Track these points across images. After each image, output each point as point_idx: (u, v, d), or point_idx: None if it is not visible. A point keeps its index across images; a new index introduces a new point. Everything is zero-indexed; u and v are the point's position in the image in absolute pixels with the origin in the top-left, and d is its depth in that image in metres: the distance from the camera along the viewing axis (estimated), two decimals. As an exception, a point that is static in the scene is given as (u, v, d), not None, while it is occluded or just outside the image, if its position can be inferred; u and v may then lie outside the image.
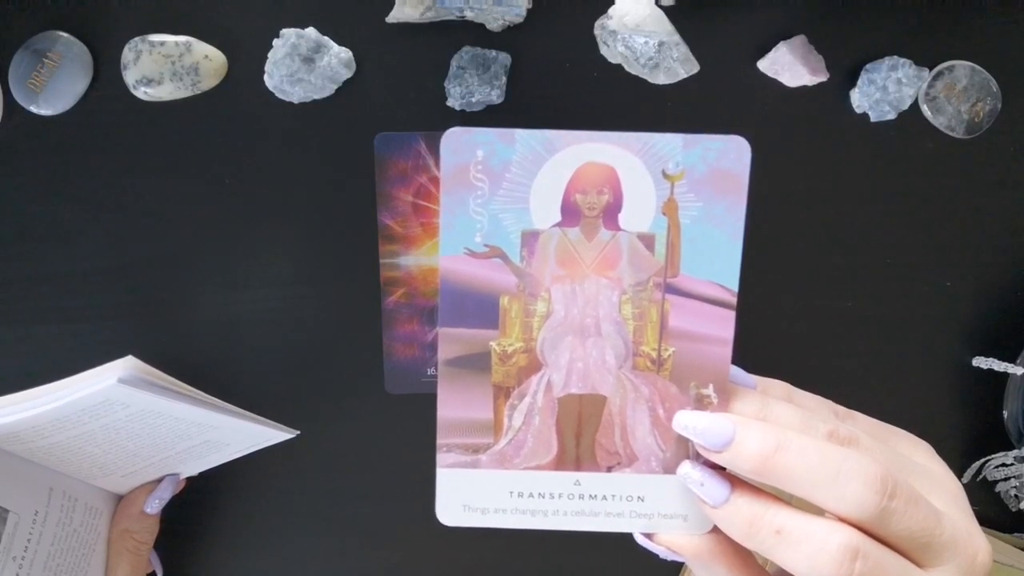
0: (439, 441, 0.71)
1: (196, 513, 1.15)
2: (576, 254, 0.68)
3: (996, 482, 1.16)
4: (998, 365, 1.12)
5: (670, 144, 0.66)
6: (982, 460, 1.15)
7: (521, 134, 0.66)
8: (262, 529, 1.16)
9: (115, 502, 1.07)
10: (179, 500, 1.09)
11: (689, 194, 0.67)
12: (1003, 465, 1.14)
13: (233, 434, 1.00)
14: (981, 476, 1.16)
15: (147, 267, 1.09)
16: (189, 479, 1.10)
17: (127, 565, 1.05)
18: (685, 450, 0.70)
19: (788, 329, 1.14)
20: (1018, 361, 1.12)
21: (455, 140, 0.66)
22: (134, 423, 0.92)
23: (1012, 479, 1.15)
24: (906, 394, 1.16)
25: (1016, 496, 1.16)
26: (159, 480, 1.07)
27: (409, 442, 1.14)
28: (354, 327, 1.12)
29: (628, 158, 0.66)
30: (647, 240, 0.68)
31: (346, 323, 1.12)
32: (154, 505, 1.06)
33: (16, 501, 0.94)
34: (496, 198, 0.66)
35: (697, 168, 0.66)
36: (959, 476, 1.14)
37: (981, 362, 1.13)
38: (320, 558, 1.18)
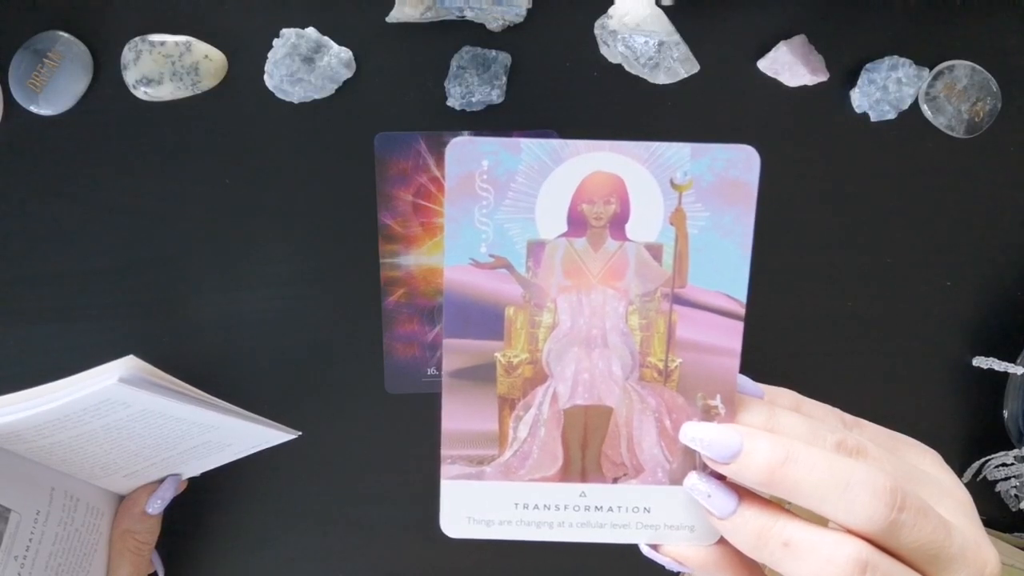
0: (443, 452, 0.70)
1: (197, 514, 1.15)
2: (582, 264, 0.68)
3: (996, 482, 1.16)
4: (998, 365, 1.12)
5: (678, 153, 0.65)
6: (982, 460, 1.15)
7: (527, 143, 0.65)
8: (263, 529, 1.16)
9: (117, 502, 1.07)
10: (180, 500, 1.09)
11: (697, 204, 0.66)
12: (1003, 465, 1.15)
13: (235, 435, 1.00)
14: (981, 476, 1.16)
15: (147, 267, 1.09)
16: (191, 480, 1.09)
17: (129, 565, 1.05)
18: (692, 461, 0.70)
19: (787, 329, 1.14)
20: (1018, 361, 1.12)
21: (460, 149, 0.65)
22: (135, 423, 0.92)
23: (1012, 479, 1.15)
24: (906, 394, 1.16)
25: (1016, 496, 1.16)
26: (161, 480, 1.07)
27: (409, 442, 1.14)
28: (354, 327, 1.12)
29: (635, 167, 0.66)
30: (654, 250, 0.67)
31: (346, 323, 1.12)
32: (156, 505, 1.06)
33: (18, 500, 0.94)
34: (501, 208, 0.66)
35: (705, 177, 0.66)
36: (959, 476, 1.14)
37: (981, 362, 1.13)
38: (320, 558, 1.18)
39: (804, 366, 1.15)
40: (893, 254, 1.13)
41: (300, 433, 1.04)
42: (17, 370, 1.10)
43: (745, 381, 0.71)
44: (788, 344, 1.15)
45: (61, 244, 1.08)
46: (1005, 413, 1.14)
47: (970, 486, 1.12)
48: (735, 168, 0.66)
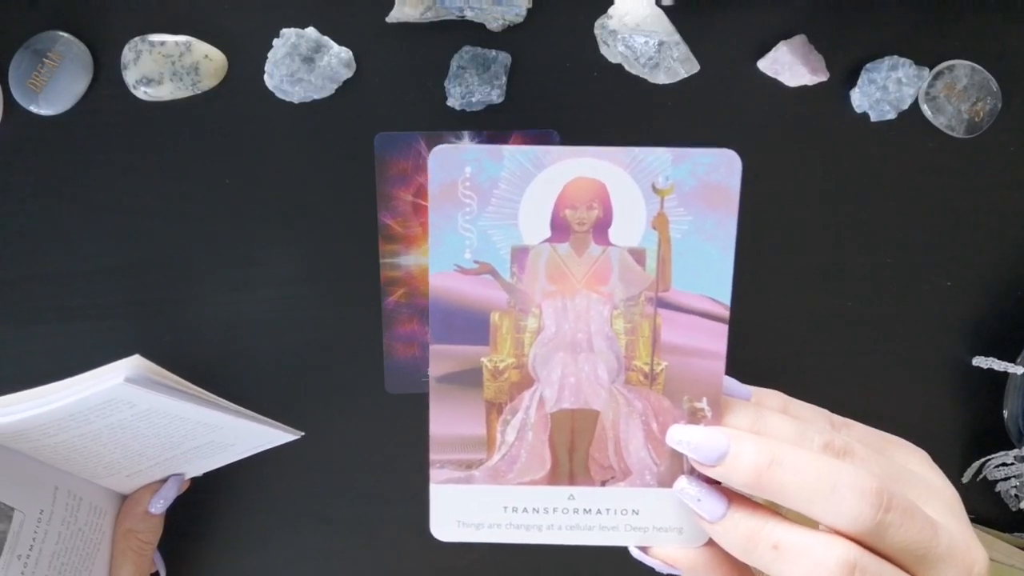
0: (432, 457, 0.71)
1: (199, 513, 1.16)
2: (566, 269, 0.68)
3: (996, 482, 1.16)
4: (998, 365, 1.12)
5: (659, 158, 0.66)
6: (982, 460, 1.15)
7: (509, 150, 0.66)
8: (264, 529, 1.17)
9: (120, 502, 1.08)
10: (183, 500, 1.09)
11: (679, 208, 0.66)
12: (1003, 465, 1.14)
13: (238, 435, 1.00)
14: (981, 476, 1.16)
15: (147, 267, 1.10)
16: (193, 479, 1.10)
17: (131, 565, 1.05)
18: (679, 463, 0.70)
19: (788, 330, 1.14)
20: (1018, 361, 1.12)
21: (442, 157, 0.66)
22: (140, 422, 0.92)
23: (1012, 479, 1.15)
24: (906, 394, 1.16)
25: (1016, 496, 1.16)
26: (164, 480, 1.07)
27: (409, 442, 1.14)
28: (354, 327, 1.12)
29: (617, 173, 0.66)
30: (638, 255, 0.68)
31: (346, 323, 1.12)
32: (158, 505, 1.06)
33: (21, 499, 0.94)
34: (485, 214, 0.66)
35: (687, 182, 0.66)
36: (959, 476, 1.14)
37: (981, 362, 1.13)
38: (320, 558, 1.18)
39: (804, 366, 1.15)
40: (893, 254, 1.13)
41: (302, 434, 1.04)
42: (18, 370, 1.10)
43: (732, 383, 0.71)
44: (788, 344, 1.15)
45: (61, 244, 1.08)
46: (1005, 413, 1.14)
47: (970, 486, 1.12)
48: (716, 172, 0.66)
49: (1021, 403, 1.11)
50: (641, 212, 0.67)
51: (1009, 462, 1.14)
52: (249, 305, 1.11)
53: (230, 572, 1.18)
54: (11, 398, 0.88)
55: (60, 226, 1.08)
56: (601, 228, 0.67)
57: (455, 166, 0.66)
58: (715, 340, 0.69)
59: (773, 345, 1.15)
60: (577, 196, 0.66)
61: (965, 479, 1.15)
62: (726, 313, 0.68)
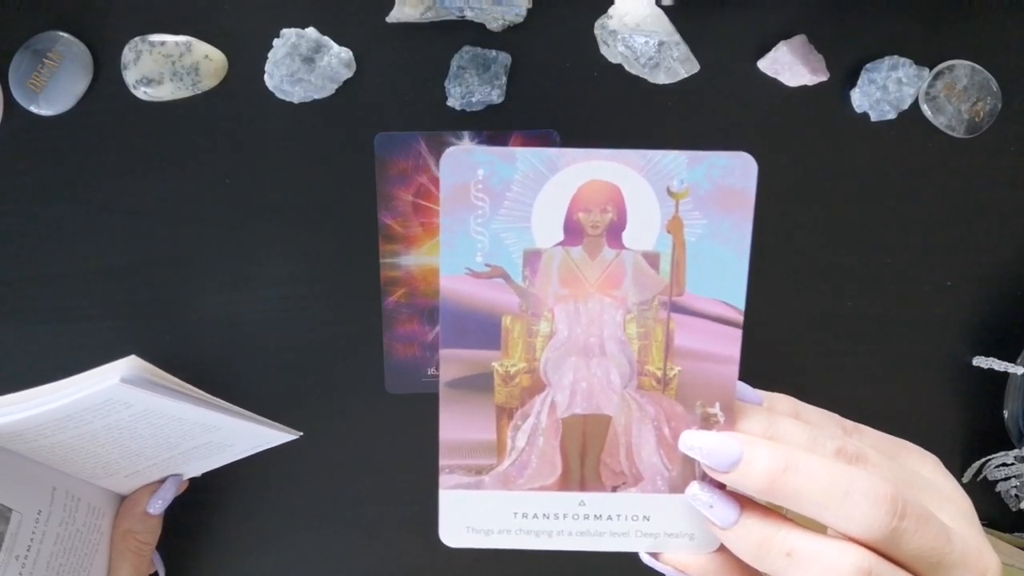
0: (441, 463, 0.70)
1: (198, 514, 1.15)
2: (579, 273, 0.68)
3: (996, 482, 1.16)
4: (998, 365, 1.12)
5: (675, 161, 0.65)
6: (982, 460, 1.15)
7: (522, 153, 0.65)
8: (263, 530, 1.16)
9: (118, 502, 1.07)
10: (181, 501, 1.09)
11: (694, 211, 0.66)
12: (1004, 465, 1.14)
13: (236, 435, 1.00)
14: (981, 476, 1.16)
15: (147, 267, 1.09)
16: (192, 480, 1.10)
17: (129, 565, 1.05)
18: (691, 469, 0.70)
19: (787, 329, 1.14)
20: (1018, 361, 1.12)
21: (455, 159, 0.65)
22: (137, 423, 0.92)
23: (1012, 479, 1.15)
24: (906, 394, 1.16)
25: (1016, 496, 1.16)
26: (162, 481, 1.07)
27: (409, 442, 1.14)
28: (354, 327, 1.12)
29: (631, 176, 0.66)
30: (651, 258, 0.67)
31: (346, 323, 1.12)
32: (157, 505, 1.06)
33: (19, 500, 0.94)
34: (497, 217, 0.66)
35: (702, 185, 0.66)
36: (959, 476, 1.15)
37: (981, 362, 1.13)
38: (320, 558, 1.18)
39: (804, 367, 1.15)
40: (893, 254, 1.13)
41: (301, 434, 1.04)
42: (17, 370, 1.10)
43: (744, 388, 0.70)
44: (788, 344, 1.15)
45: (61, 244, 1.08)
46: (1005, 413, 1.14)
47: (970, 486, 1.12)
48: (732, 175, 0.65)
49: (1021, 403, 1.12)
50: (655, 215, 0.66)
51: (1009, 462, 1.14)
52: (249, 305, 1.11)
53: (229, 572, 1.18)
54: (7, 399, 0.88)
55: (60, 226, 1.08)
56: (615, 231, 0.67)
57: (467, 168, 0.65)
58: (728, 345, 0.68)
59: (771, 345, 1.15)
60: (591, 199, 0.66)
61: (965, 479, 1.15)
62: (740, 318, 0.68)
